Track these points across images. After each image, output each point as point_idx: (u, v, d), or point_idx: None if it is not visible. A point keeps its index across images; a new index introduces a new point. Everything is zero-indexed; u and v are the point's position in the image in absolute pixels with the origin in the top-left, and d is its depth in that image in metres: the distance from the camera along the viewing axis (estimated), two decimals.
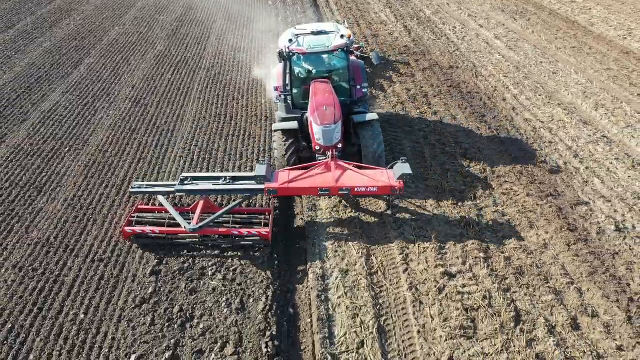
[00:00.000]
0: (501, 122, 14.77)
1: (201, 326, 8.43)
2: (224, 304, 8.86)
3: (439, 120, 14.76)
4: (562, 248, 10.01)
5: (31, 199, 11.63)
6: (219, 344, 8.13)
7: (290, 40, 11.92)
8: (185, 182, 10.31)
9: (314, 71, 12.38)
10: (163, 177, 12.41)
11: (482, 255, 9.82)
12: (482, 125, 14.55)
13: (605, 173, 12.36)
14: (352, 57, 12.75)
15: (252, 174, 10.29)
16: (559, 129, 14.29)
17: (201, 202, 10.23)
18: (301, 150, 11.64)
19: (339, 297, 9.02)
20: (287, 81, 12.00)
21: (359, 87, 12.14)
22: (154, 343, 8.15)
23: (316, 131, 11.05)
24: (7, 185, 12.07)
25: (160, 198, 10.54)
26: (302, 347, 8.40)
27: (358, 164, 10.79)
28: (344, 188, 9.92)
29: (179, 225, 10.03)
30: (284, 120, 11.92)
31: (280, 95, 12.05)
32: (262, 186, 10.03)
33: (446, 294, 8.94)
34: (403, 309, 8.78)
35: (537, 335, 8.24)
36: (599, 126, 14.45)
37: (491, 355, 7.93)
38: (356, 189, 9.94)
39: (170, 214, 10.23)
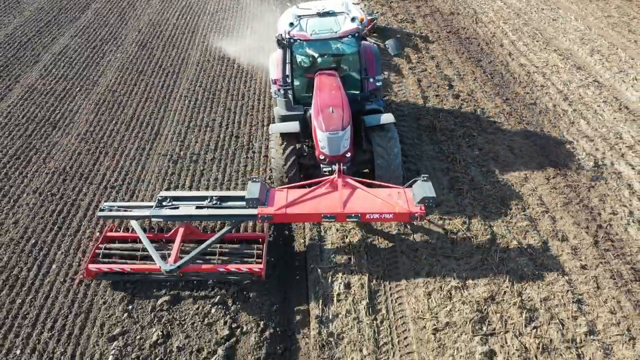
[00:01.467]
0: (496, 66, 15.16)
1: None
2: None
3: (436, 65, 15.17)
4: (541, 181, 10.69)
5: (46, 133, 12.42)
6: None
7: (291, 24, 10.00)
8: (164, 204, 8.60)
9: (318, 60, 10.66)
10: (167, 118, 13.10)
11: (465, 186, 10.55)
12: (477, 69, 14.97)
13: (592, 115, 12.87)
14: (365, 42, 10.94)
15: (243, 193, 8.51)
16: (552, 74, 14.68)
17: (181, 229, 8.55)
18: (304, 155, 9.97)
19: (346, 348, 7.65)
20: (288, 72, 10.15)
21: (371, 79, 10.33)
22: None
23: (321, 138, 9.25)
24: (24, 121, 12.84)
25: (133, 223, 8.77)
26: None
27: (370, 181, 9.08)
28: (353, 215, 8.21)
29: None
30: (283, 119, 10.26)
31: (279, 90, 10.24)
32: (254, 211, 8.26)
33: (429, 220, 9.73)
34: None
35: (510, 255, 9.05)
36: (592, 71, 14.81)
37: (466, 270, 8.77)
38: (368, 216, 8.25)
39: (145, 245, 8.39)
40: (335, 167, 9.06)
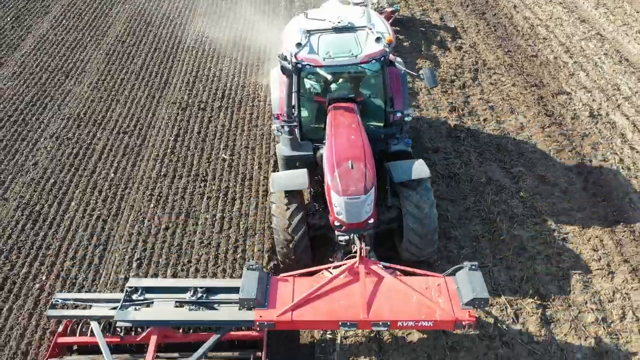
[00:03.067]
0: (500, 19, 15.25)
1: None
2: None
3: (439, 17, 15.28)
4: (536, 130, 11.07)
5: (60, 81, 12.87)
6: None
7: (299, 45, 7.81)
8: (134, 297, 6.71)
9: (333, 86, 8.65)
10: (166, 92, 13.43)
11: (463, 135, 10.96)
12: (480, 22, 15.08)
13: (592, 67, 13.07)
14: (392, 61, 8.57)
15: (237, 283, 6.53)
16: (556, 27, 14.78)
17: (155, 336, 6.54)
18: (313, 213, 7.92)
19: None
20: (294, 102, 8.05)
21: (399, 113, 8.25)
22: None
23: (336, 202, 7.17)
24: (38, 70, 13.28)
25: (94, 326, 6.71)
26: None
27: (402, 267, 6.98)
28: (380, 323, 6.27)
29: None
30: (287, 161, 8.37)
31: (282, 126, 8.15)
32: (251, 315, 6.38)
33: (433, 163, 10.17)
34: None
35: (502, 198, 9.55)
36: (595, 24, 14.87)
37: (460, 210, 9.30)
38: (399, 323, 6.35)
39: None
40: (354, 238, 7.16)
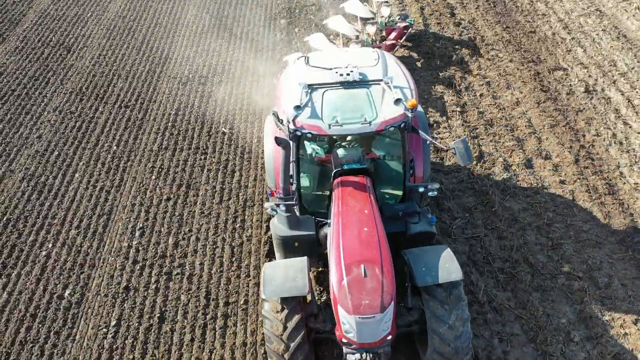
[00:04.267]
0: None
1: None
2: None
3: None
4: (531, 105, 11.22)
5: (62, 56, 13.04)
6: None
7: (298, 107, 6.41)
8: None
9: (340, 153, 6.96)
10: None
11: (458, 109, 11.13)
12: None
13: (590, 43, 13.14)
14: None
15: None
16: (555, 2, 14.78)
17: None
18: (313, 315, 6.45)
19: None
20: (292, 171, 6.64)
21: (422, 188, 6.66)
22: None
23: (345, 320, 5.75)
24: (40, 45, 13.43)
25: None
26: None
27: None
28: None
29: None
30: (285, 243, 6.80)
31: (278, 205, 6.50)
32: None
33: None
34: None
35: (494, 171, 9.77)
36: (595, 0, 14.87)
37: (453, 184, 9.54)
38: None
39: None
40: (366, 357, 5.89)
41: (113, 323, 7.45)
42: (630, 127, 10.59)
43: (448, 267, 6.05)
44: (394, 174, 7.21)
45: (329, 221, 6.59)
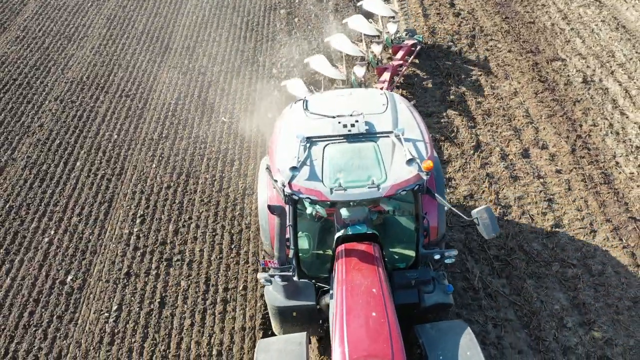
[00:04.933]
0: None
1: None
2: None
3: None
4: (529, 95, 11.29)
5: (62, 46, 13.11)
6: None
7: (294, 169, 5.68)
8: None
9: (343, 213, 6.06)
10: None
11: (456, 99, 11.20)
12: None
13: (589, 34, 13.17)
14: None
15: None
16: None
17: None
18: None
19: None
20: (289, 235, 5.76)
21: (437, 255, 5.95)
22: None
23: None
24: (40, 35, 13.50)
25: None
26: None
27: None
28: None
29: None
30: (282, 314, 6.03)
31: (273, 276, 5.77)
32: None
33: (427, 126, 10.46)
34: None
35: (491, 160, 9.87)
36: None
37: (450, 172, 9.64)
38: None
39: None
40: None
41: (114, 308, 7.60)
42: (627, 117, 10.66)
43: (470, 355, 5.19)
44: (405, 232, 6.35)
45: (331, 291, 5.71)
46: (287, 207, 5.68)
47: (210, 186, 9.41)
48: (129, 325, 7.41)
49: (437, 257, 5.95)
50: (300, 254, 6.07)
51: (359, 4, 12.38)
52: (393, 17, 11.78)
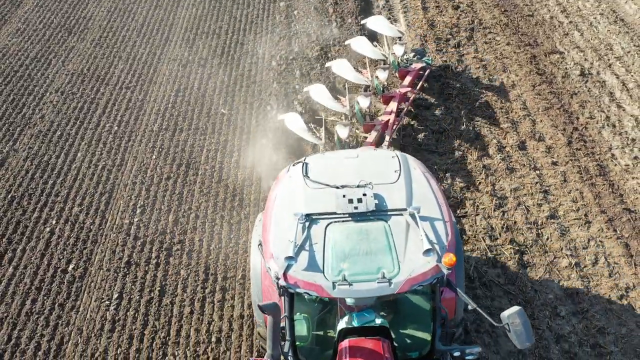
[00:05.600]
0: None
1: None
2: None
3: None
4: (527, 88, 11.36)
5: (63, 38, 13.18)
6: None
7: (291, 259, 4.88)
8: None
9: (348, 300, 5.07)
10: None
11: (455, 92, 11.27)
12: None
13: (587, 27, 13.22)
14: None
15: None
16: None
17: None
18: None
19: None
20: (286, 329, 5.05)
21: (457, 352, 4.99)
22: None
23: None
24: (41, 27, 13.57)
25: None
26: None
27: None
28: None
29: None
30: None
31: None
32: None
33: (425, 119, 10.52)
34: None
35: (488, 152, 9.96)
36: None
37: (447, 164, 9.73)
38: None
39: None
40: None
41: (115, 296, 7.73)
42: (623, 109, 10.74)
43: None
44: (419, 313, 5.43)
45: None
46: (281, 300, 4.92)
47: (210, 177, 9.51)
48: (129, 312, 7.54)
49: (456, 353, 4.98)
50: (297, 342, 5.19)
51: (362, 22, 11.73)
52: (400, 38, 11.08)
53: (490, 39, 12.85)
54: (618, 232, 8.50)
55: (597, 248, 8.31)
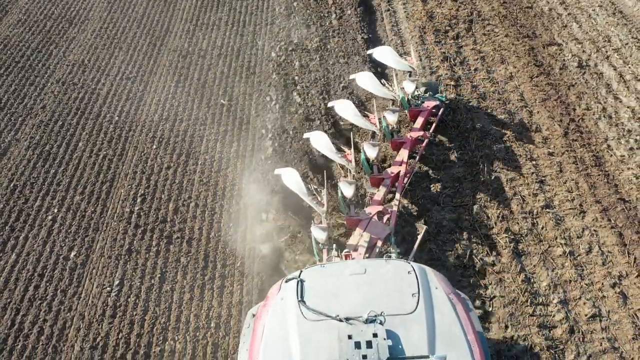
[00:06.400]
0: None
1: None
2: None
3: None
4: (524, 79, 11.43)
5: (64, 29, 13.26)
6: None
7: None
8: None
9: None
10: None
11: (452, 83, 11.35)
12: None
13: (585, 19, 13.26)
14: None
15: None
16: None
17: None
18: None
19: None
20: None
21: None
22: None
23: None
24: (42, 18, 13.64)
25: None
26: None
27: None
28: None
29: None
30: None
31: None
32: None
33: None
34: None
35: (486, 143, 10.04)
36: None
37: (445, 154, 9.83)
38: None
39: None
40: None
41: (116, 282, 7.87)
42: (620, 101, 10.81)
43: None
44: None
45: None
46: None
47: (209, 167, 9.63)
48: (130, 299, 7.68)
49: None
50: None
51: (368, 52, 10.58)
52: (410, 74, 9.82)
53: (488, 30, 12.90)
54: (612, 221, 8.60)
55: (591, 237, 8.42)
